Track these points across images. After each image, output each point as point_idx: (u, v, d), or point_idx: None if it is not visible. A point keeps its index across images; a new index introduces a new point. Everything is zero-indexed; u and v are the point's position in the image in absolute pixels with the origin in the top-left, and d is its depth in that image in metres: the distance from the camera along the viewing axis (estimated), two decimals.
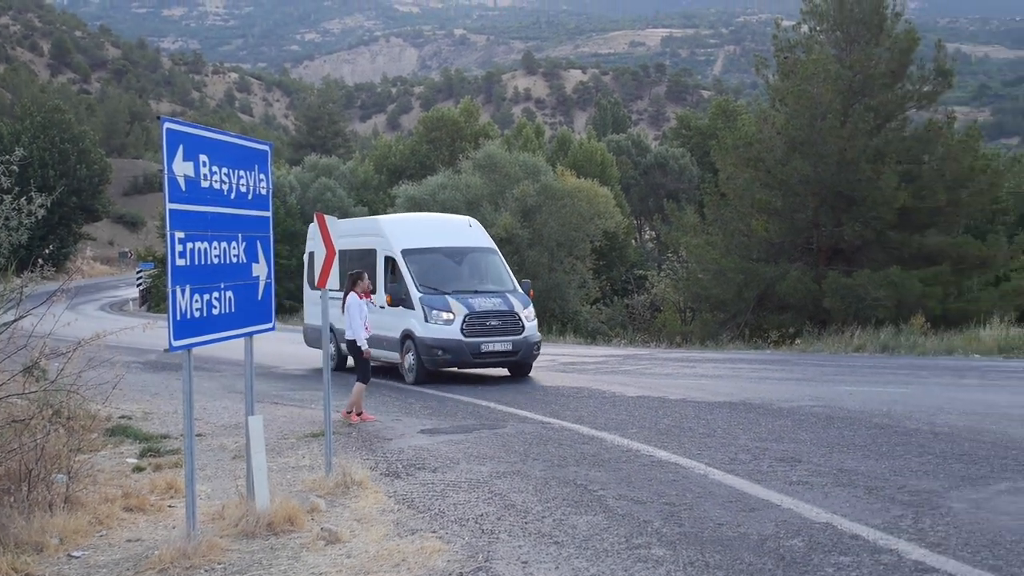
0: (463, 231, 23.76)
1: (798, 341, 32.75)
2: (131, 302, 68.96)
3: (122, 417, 16.83)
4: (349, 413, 16.51)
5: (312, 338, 25.18)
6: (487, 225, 45.63)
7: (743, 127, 43.69)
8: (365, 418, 16.38)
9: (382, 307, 21.54)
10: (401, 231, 22.98)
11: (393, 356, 22.04)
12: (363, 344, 16.72)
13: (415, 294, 21.23)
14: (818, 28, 39.35)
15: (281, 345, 27.83)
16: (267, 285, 10.17)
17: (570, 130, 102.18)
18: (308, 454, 13.67)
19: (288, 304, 57.48)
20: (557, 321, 47.87)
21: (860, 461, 11.90)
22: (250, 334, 9.94)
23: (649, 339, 41.50)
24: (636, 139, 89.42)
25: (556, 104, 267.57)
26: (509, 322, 21.26)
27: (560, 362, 26.21)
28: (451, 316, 20.80)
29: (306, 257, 25.91)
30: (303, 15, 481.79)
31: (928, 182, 35.98)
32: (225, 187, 9.30)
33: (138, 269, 70.87)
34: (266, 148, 10.38)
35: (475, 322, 20.91)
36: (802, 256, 37.71)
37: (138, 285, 68.64)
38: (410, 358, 21.35)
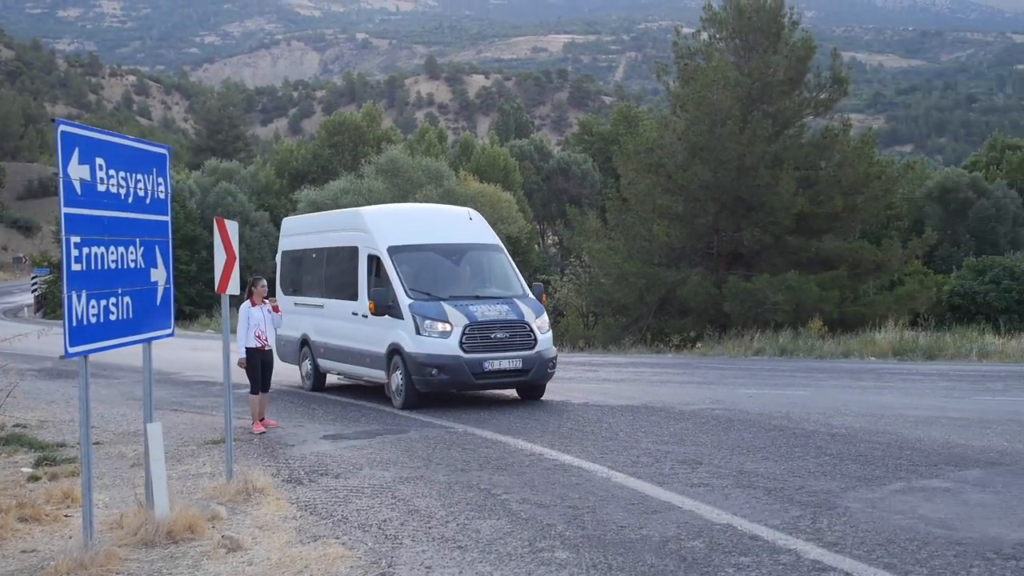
0: (462, 224, 20.12)
1: (699, 345, 33.11)
2: (26, 308, 67.59)
3: (16, 426, 16.45)
4: (261, 421, 16.19)
5: (287, 352, 22.01)
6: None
7: (644, 133, 44.07)
8: (267, 423, 16.17)
9: (365, 316, 18.62)
10: (387, 225, 19.33)
11: (378, 375, 18.72)
12: (241, 354, 15.86)
13: (404, 300, 17.79)
14: (718, 36, 39.84)
15: (181, 351, 27.45)
16: (166, 290, 10.02)
17: (473, 135, 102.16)
18: (209, 461, 13.49)
19: (188, 310, 56.76)
20: None
21: (759, 463, 12.07)
22: (148, 340, 9.79)
23: (557, 343, 41.52)
24: (539, 144, 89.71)
25: (459, 109, 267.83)
26: (518, 334, 17.82)
27: None
28: (447, 327, 17.38)
29: (279, 257, 23.32)
30: (202, 17, 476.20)
31: (825, 188, 36.60)
32: (122, 191, 9.14)
33: (33, 275, 69.56)
34: (165, 152, 10.23)
35: (477, 334, 17.45)
36: (703, 261, 38.12)
37: (33, 291, 67.33)
38: (398, 378, 17.88)
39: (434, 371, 17.28)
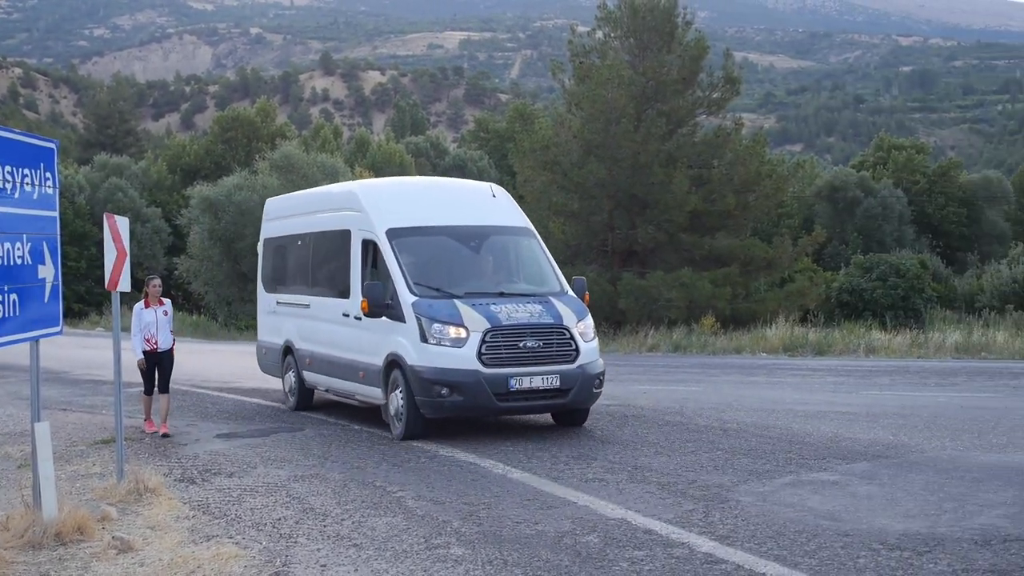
0: (482, 202, 16.14)
1: None
2: None
3: None
4: (164, 423, 15.59)
5: (269, 363, 18.76)
6: None
7: (540, 131, 44.25)
8: (149, 427, 15.47)
9: (358, 318, 14.80)
10: (387, 203, 15.52)
11: (374, 394, 14.83)
12: (137, 355, 15.13)
13: (406, 298, 13.95)
14: (612, 35, 40.18)
15: (70, 350, 26.91)
16: (54, 288, 9.81)
17: (369, 131, 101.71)
18: (99, 461, 13.24)
19: (78, 308, 55.66)
20: None
21: (653, 458, 12.23)
22: (36, 338, 9.58)
23: None
24: (435, 141, 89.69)
25: (354, 105, 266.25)
26: (555, 342, 13.87)
27: None
28: (462, 333, 13.52)
29: (260, 246, 19.64)
30: (91, 9, 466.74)
31: (718, 186, 37.14)
32: (8, 186, 8.94)
33: None
34: (52, 146, 10.02)
35: (501, 342, 13.56)
36: (598, 258, 38.45)
37: None
38: (398, 399, 13.99)
39: (444, 391, 13.38)
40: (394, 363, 14.02)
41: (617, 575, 7.63)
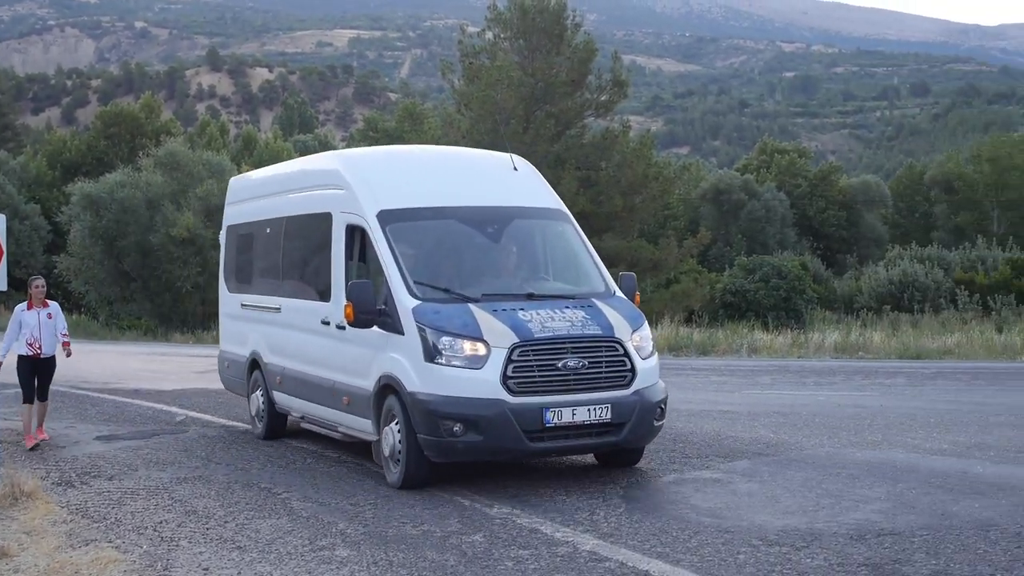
0: (501, 177, 12.78)
1: None
2: None
3: None
4: (40, 427, 14.96)
5: (232, 378, 15.65)
6: (167, 225, 44.47)
7: (429, 130, 44.22)
8: (39, 435, 14.46)
9: (340, 327, 11.60)
10: (379, 178, 12.19)
11: (361, 426, 11.54)
12: (1, 356, 13.91)
13: (405, 302, 10.74)
14: (502, 35, 40.29)
15: None
16: None
17: (256, 129, 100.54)
18: None
19: None
20: None
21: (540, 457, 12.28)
22: None
23: None
24: (323, 140, 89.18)
25: (242, 102, 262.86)
26: (605, 359, 10.69)
27: None
28: (480, 349, 10.35)
29: (223, 235, 16.36)
30: None
31: (605, 188, 37.47)
32: None
33: None
34: None
35: (534, 361, 10.36)
36: None
37: None
38: (394, 436, 10.78)
39: (457, 427, 10.14)
40: (389, 388, 10.77)
41: (502, 574, 7.66)
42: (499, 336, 10.34)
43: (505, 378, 10.24)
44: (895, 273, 43.10)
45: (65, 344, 14.32)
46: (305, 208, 13.15)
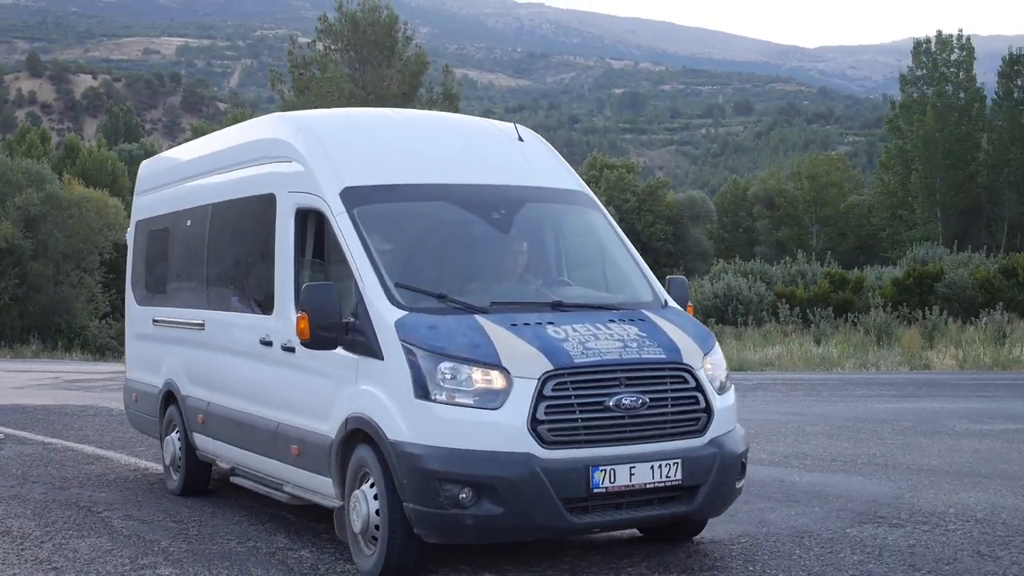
0: (504, 149, 9.72)
1: None
2: None
3: None
4: None
5: (140, 414, 12.42)
6: None
7: None
8: None
9: (288, 348, 8.68)
10: (344, 145, 9.07)
11: (316, 485, 8.50)
12: None
13: (384, 313, 7.74)
14: (333, 47, 40.26)
15: None
16: None
17: (79, 137, 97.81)
18: None
19: None
20: (63, 337, 45.79)
21: None
22: None
23: None
24: (150, 149, 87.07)
25: (64, 109, 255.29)
26: (672, 395, 7.70)
27: (65, 379, 25.05)
28: (497, 380, 7.32)
29: (130, 234, 13.26)
30: None
31: None
32: None
33: None
34: None
35: (574, 396, 7.36)
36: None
37: None
38: (367, 503, 7.68)
39: (464, 494, 7.14)
40: (359, 435, 7.75)
41: None
42: (524, 362, 7.27)
43: (534, 422, 7.14)
44: (720, 287, 44.17)
45: None
46: (239, 191, 10.08)
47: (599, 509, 7.40)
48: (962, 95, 70.53)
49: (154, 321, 11.99)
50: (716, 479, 7.72)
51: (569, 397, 7.29)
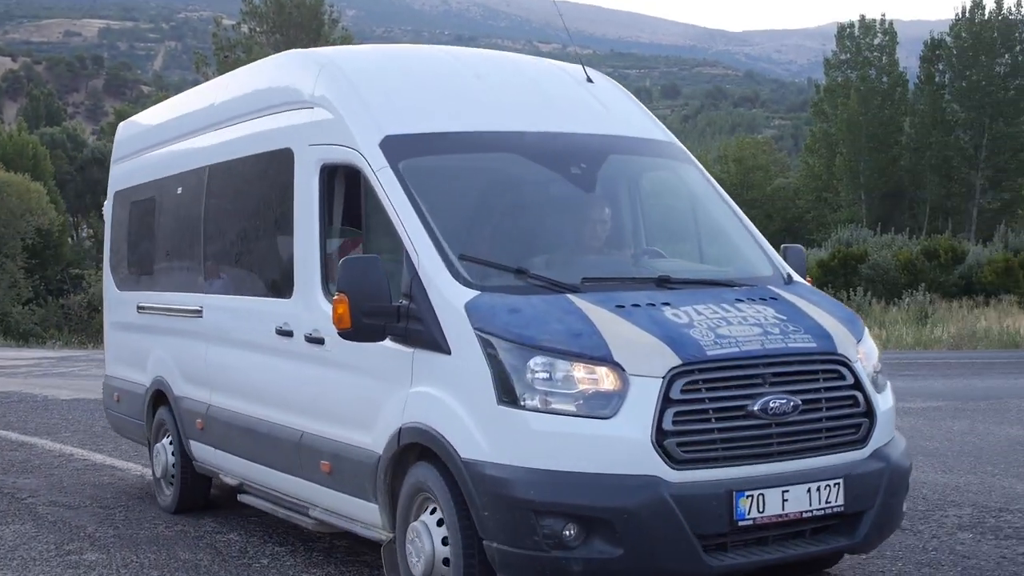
0: (572, 92, 7.91)
1: None
2: None
3: None
4: None
5: (123, 416, 10.74)
6: None
7: None
8: None
9: (315, 340, 7.01)
10: (382, 86, 7.25)
11: (356, 511, 6.78)
12: None
13: (450, 292, 6.00)
14: (259, 29, 39.95)
15: None
16: None
17: None
18: None
19: None
20: None
21: None
22: None
23: (86, 340, 40.08)
24: (72, 133, 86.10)
25: None
26: (827, 395, 5.96)
27: None
28: (609, 379, 5.56)
29: (107, 207, 11.58)
30: None
31: None
32: None
33: None
34: None
35: (708, 400, 5.60)
36: None
37: None
38: (430, 538, 6.00)
39: (569, 531, 5.43)
40: (416, 450, 6.19)
41: (257, 572, 7.57)
42: (643, 355, 5.60)
43: (660, 435, 5.45)
44: None
45: None
46: (243, 148, 8.34)
47: (740, 547, 5.67)
48: (885, 79, 71.33)
49: (139, 308, 10.31)
50: (883, 502, 6.01)
51: (703, 401, 5.58)
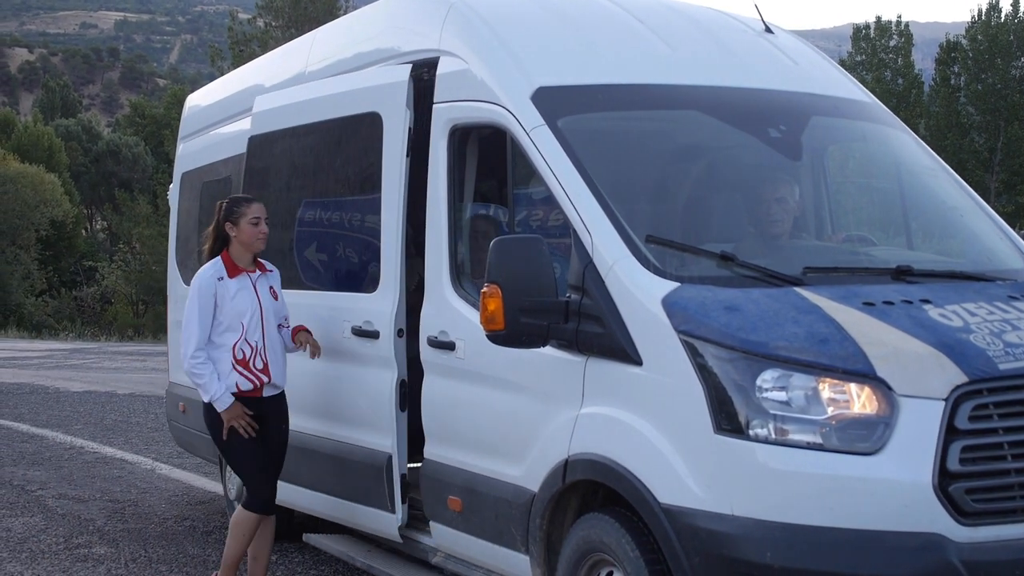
0: (752, 44, 6.47)
1: None
2: None
3: None
4: None
5: (189, 430, 8.86)
6: None
7: None
8: None
9: (440, 343, 5.65)
10: (530, 30, 5.87)
11: (500, 562, 5.34)
12: (212, 393, 6.29)
13: (640, 283, 4.58)
14: (274, 23, 39.97)
15: None
16: None
17: (15, 112, 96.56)
18: None
19: None
20: None
21: None
22: None
23: (99, 332, 40.19)
24: (87, 125, 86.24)
25: None
26: None
27: (0, 357, 24.79)
28: (871, 400, 4.13)
29: (173, 192, 10.16)
30: None
31: None
32: None
33: None
34: None
35: (1002, 430, 4.14)
36: None
37: None
38: None
39: None
40: (587, 489, 4.92)
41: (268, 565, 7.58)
42: (916, 368, 4.25)
43: (945, 477, 4.09)
44: None
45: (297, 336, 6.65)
46: (344, 107, 6.68)
47: None
48: (900, 81, 71.13)
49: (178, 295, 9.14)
50: None
51: (996, 432, 4.18)
